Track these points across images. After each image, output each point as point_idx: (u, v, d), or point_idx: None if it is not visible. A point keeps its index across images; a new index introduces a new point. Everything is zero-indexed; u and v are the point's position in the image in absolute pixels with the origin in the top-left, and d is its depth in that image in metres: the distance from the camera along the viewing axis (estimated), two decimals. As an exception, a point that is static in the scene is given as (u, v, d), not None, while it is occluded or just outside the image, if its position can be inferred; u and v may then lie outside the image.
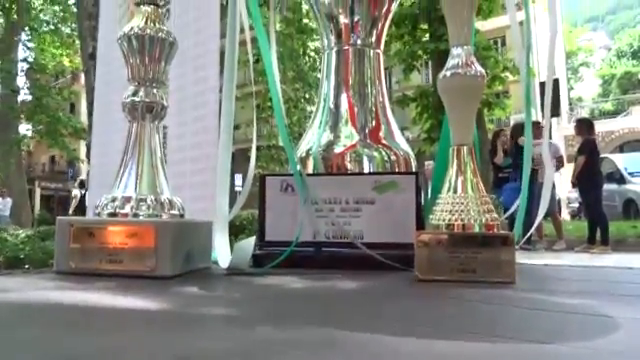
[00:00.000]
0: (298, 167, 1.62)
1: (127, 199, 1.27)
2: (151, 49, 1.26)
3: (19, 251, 4.04)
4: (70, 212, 12.56)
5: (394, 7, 1.60)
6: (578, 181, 7.34)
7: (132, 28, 1.26)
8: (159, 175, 1.31)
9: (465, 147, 1.25)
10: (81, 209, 12.08)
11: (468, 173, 1.26)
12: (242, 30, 1.78)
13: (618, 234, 7.51)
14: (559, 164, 7.84)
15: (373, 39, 1.53)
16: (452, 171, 1.27)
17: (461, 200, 1.24)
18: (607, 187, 9.56)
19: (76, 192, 13.76)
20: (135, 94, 1.28)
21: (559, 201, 10.27)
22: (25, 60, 18.02)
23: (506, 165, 7.15)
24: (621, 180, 11.46)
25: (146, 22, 1.27)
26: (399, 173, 1.51)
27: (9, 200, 14.01)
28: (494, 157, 7.28)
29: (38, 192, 26.04)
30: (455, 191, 1.26)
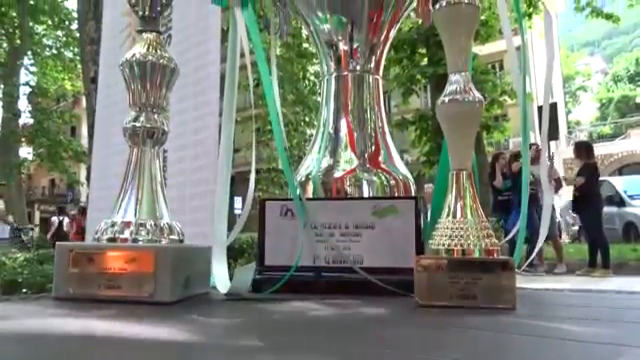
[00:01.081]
0: (298, 191, 1.62)
1: (127, 224, 1.27)
2: (152, 75, 1.27)
3: (17, 275, 4.01)
4: (48, 237, 12.50)
5: (392, 34, 1.62)
6: (577, 203, 7.33)
7: (134, 54, 1.27)
8: (159, 200, 1.31)
9: (464, 172, 1.26)
10: (59, 235, 12.05)
11: (467, 198, 1.26)
12: (242, 54, 1.80)
13: (619, 257, 7.47)
14: (558, 186, 7.84)
15: (372, 65, 1.54)
16: (451, 196, 1.27)
17: (460, 225, 1.24)
18: (607, 210, 9.55)
19: (54, 219, 13.73)
20: (136, 119, 1.29)
21: (559, 224, 10.25)
22: (27, 84, 18.18)
23: (505, 188, 7.13)
24: (621, 203, 11.45)
25: (148, 49, 1.28)
26: (399, 198, 1.51)
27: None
28: (493, 180, 7.26)
29: (37, 215, 26.00)
30: (454, 216, 1.26)
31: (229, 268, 1.72)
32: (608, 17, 12.72)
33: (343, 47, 1.55)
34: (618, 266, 7.10)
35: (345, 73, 1.57)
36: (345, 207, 1.46)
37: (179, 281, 1.27)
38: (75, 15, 14.21)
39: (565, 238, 11.90)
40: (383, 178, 1.56)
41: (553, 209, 7.83)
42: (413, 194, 1.61)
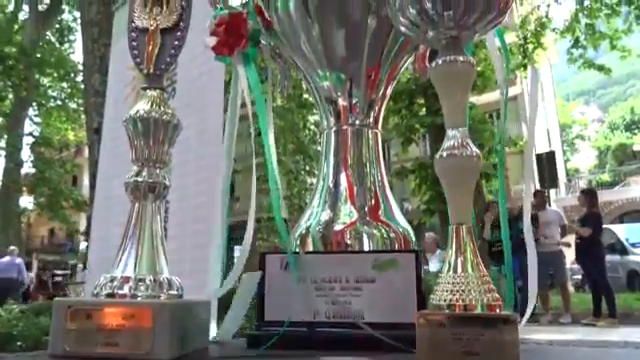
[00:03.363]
0: (296, 244, 1.62)
1: (126, 279, 1.26)
2: (155, 131, 1.29)
3: (12, 327, 3.93)
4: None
5: (390, 90, 1.66)
6: (579, 252, 7.26)
7: (137, 111, 1.30)
8: (159, 255, 1.31)
9: (464, 226, 1.26)
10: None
11: (468, 252, 1.26)
12: (243, 105, 1.84)
13: (624, 306, 7.36)
14: (563, 232, 7.80)
15: (371, 120, 1.57)
16: (451, 251, 1.27)
17: (461, 280, 1.24)
18: (609, 258, 9.49)
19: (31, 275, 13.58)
20: (138, 174, 1.31)
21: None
22: (30, 134, 18.41)
23: (496, 240, 7.05)
24: (623, 251, 11.38)
25: (151, 105, 1.31)
26: (399, 251, 1.51)
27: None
28: (482, 232, 7.19)
29: (35, 264, 25.78)
30: (455, 271, 1.25)
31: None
32: (600, 69, 13.02)
33: (342, 103, 1.58)
34: (624, 315, 6.99)
35: (345, 127, 1.59)
36: (345, 261, 1.46)
37: (177, 337, 1.26)
38: (80, 67, 14.55)
39: (569, 287, 11.76)
40: (383, 231, 1.55)
41: (563, 256, 7.78)
42: (413, 247, 1.60)
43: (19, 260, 13.98)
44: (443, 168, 1.26)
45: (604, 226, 8.72)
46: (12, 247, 13.91)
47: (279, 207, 1.47)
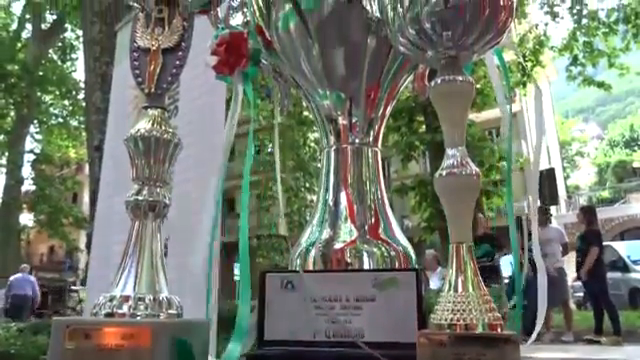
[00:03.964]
0: (297, 263, 1.61)
1: (125, 298, 1.26)
2: (156, 150, 1.30)
3: (10, 346, 3.90)
4: None
5: (390, 110, 1.67)
6: (580, 270, 7.22)
7: (138, 130, 1.31)
8: (159, 274, 1.31)
9: (464, 245, 1.26)
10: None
11: (468, 271, 1.25)
12: (243, 123, 1.85)
13: (627, 324, 7.31)
14: (564, 250, 7.76)
15: (371, 138, 1.58)
16: (452, 270, 1.27)
17: (462, 299, 1.23)
18: (611, 276, 9.44)
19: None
20: (139, 193, 1.31)
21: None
22: (31, 151, 18.47)
23: (483, 253, 7.01)
24: (625, 268, 11.33)
25: (152, 124, 1.32)
26: (399, 270, 1.50)
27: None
28: None
29: (33, 279, 25.66)
30: (456, 290, 1.25)
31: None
32: (600, 85, 13.10)
33: (342, 121, 1.59)
34: (627, 333, 6.94)
35: (344, 146, 1.60)
36: (345, 279, 1.45)
37: (177, 357, 1.25)
38: (82, 85, 14.65)
39: (571, 305, 11.68)
40: (383, 249, 1.55)
41: (565, 274, 7.75)
42: (414, 265, 1.60)
43: (32, 277, 14.25)
44: (443, 187, 1.26)
45: (605, 243, 8.70)
46: (24, 265, 14.21)
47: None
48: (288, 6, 1.61)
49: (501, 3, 1.23)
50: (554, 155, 27.75)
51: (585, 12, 12.81)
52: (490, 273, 6.68)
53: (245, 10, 1.88)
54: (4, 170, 17.41)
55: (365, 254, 1.55)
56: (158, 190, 1.34)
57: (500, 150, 12.14)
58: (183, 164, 2.52)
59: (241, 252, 1.43)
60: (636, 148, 41.33)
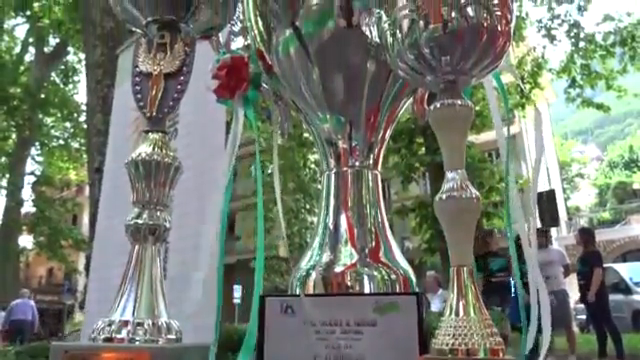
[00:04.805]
0: (295, 288, 1.60)
1: (124, 323, 1.25)
2: (157, 174, 1.31)
3: (7, 371, 3.86)
4: None
5: (389, 133, 1.68)
6: (584, 294, 7.17)
7: (139, 154, 1.32)
8: (158, 299, 1.30)
9: (465, 268, 1.25)
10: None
11: (469, 295, 1.24)
12: (242, 145, 1.86)
13: (630, 347, 7.23)
14: (566, 272, 7.71)
15: (371, 162, 1.59)
16: (453, 294, 1.26)
17: (463, 324, 1.22)
18: (614, 298, 9.37)
19: None
20: (139, 216, 1.31)
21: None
22: (32, 173, 18.51)
23: (498, 268, 6.89)
24: (627, 290, 11.25)
25: (153, 148, 1.33)
26: (400, 294, 1.49)
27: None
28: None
29: (33, 304, 25.47)
30: (457, 314, 1.24)
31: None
32: (599, 107, 13.19)
33: (342, 145, 1.60)
34: (631, 357, 6.86)
35: (345, 169, 1.60)
36: (346, 303, 1.44)
37: (175, 383, 1.23)
38: (83, 108, 14.74)
39: (574, 327, 11.58)
40: (384, 273, 1.54)
41: (567, 296, 7.68)
42: (414, 289, 1.59)
43: (32, 302, 14.54)
44: (443, 210, 1.26)
45: (607, 265, 8.65)
46: (24, 290, 14.56)
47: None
48: (288, 31, 1.64)
49: (499, 29, 1.24)
50: (554, 176, 27.77)
51: (582, 35, 12.96)
52: (505, 291, 6.54)
53: (246, 34, 1.90)
54: (4, 192, 17.42)
55: (365, 277, 1.54)
56: (158, 213, 1.34)
57: (500, 172, 12.16)
58: (183, 185, 2.53)
59: (257, 273, 1.43)
60: (636, 169, 41.39)
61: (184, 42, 1.44)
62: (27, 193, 18.20)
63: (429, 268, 11.70)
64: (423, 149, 11.91)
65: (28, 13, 16.46)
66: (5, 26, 18.79)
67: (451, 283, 1.26)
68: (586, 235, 7.60)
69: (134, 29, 1.49)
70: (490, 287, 6.75)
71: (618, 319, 8.67)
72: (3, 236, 16.38)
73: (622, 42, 12.54)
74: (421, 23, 1.24)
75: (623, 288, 11.09)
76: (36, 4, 15.11)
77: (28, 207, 18.32)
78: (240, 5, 1.78)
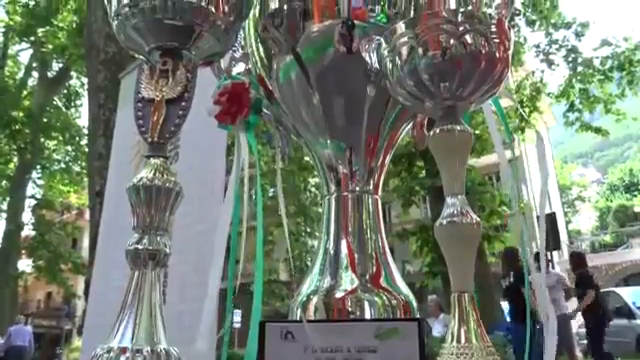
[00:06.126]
0: (299, 312, 1.59)
1: (123, 350, 1.24)
2: (158, 199, 1.31)
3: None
4: None
5: (389, 158, 1.69)
6: (585, 317, 7.11)
7: (141, 179, 1.32)
8: (157, 325, 1.29)
9: (466, 295, 1.25)
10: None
11: (471, 322, 1.23)
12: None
13: (634, 375, 7.12)
14: (567, 295, 7.66)
15: (371, 187, 1.59)
16: (454, 320, 1.25)
17: (465, 350, 1.21)
18: (617, 322, 9.27)
19: None
20: (139, 242, 1.31)
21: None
22: (33, 197, 18.51)
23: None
24: (630, 315, 11.13)
25: (154, 173, 1.33)
26: (402, 320, 1.48)
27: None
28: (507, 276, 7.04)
29: (30, 330, 25.22)
30: (458, 341, 1.23)
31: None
32: (597, 131, 13.26)
33: (343, 170, 1.60)
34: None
35: (345, 194, 1.61)
36: (347, 329, 1.43)
37: (174, 411, 1.22)
38: (85, 131, 14.83)
39: (577, 353, 11.43)
40: (385, 298, 1.53)
41: (569, 320, 7.62)
42: (415, 314, 1.58)
43: (29, 327, 14.70)
44: (443, 236, 1.26)
45: (609, 289, 8.58)
46: (20, 316, 14.81)
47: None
48: (289, 57, 1.66)
49: (497, 55, 1.26)
50: (554, 200, 27.74)
51: (580, 60, 13.10)
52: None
53: (247, 60, 1.92)
54: (4, 215, 17.40)
55: (366, 303, 1.53)
56: (158, 239, 1.34)
57: (501, 195, 12.16)
58: (183, 209, 2.53)
59: (255, 299, 1.43)
60: (636, 193, 41.38)
61: (186, 68, 1.45)
62: (27, 216, 18.19)
63: (430, 292, 11.61)
64: (423, 172, 11.93)
65: (32, 39, 16.67)
66: (10, 51, 19.02)
67: (452, 309, 1.26)
68: (573, 258, 7.66)
69: (137, 56, 1.51)
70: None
71: (622, 344, 8.56)
72: (2, 260, 16.30)
73: (620, 67, 12.67)
74: (420, 50, 1.25)
75: (626, 312, 10.98)
76: (40, 30, 15.32)
77: (28, 230, 18.27)
78: (242, 31, 1.81)
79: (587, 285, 7.05)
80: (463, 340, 1.22)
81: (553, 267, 8.80)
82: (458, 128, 1.28)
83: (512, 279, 6.79)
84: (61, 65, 17.71)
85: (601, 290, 8.47)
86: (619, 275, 22.15)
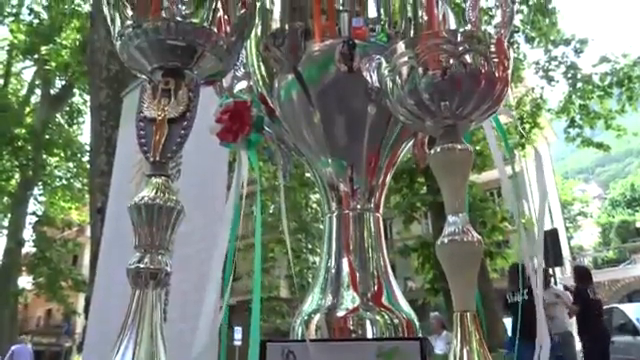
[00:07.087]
0: (300, 331, 1.58)
1: (123, 370, 1.23)
2: (159, 218, 1.31)
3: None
4: None
5: (390, 176, 1.70)
6: (581, 337, 7.04)
7: (142, 198, 1.32)
8: (157, 345, 1.28)
9: (468, 313, 1.24)
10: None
11: (473, 342, 1.22)
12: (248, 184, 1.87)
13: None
14: (571, 313, 7.61)
15: (372, 205, 1.59)
16: (456, 340, 1.24)
17: (468, 371, 1.20)
18: (621, 339, 9.18)
19: None
20: (140, 261, 1.31)
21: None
22: (34, 213, 18.49)
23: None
24: (635, 332, 11.02)
25: (156, 192, 1.33)
26: (404, 339, 1.47)
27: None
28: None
29: (31, 350, 25.04)
30: (461, 361, 1.22)
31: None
32: (599, 146, 13.29)
33: (344, 188, 1.61)
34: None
35: (346, 212, 1.61)
36: (348, 349, 1.42)
37: None
38: (87, 148, 14.88)
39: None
40: (386, 317, 1.53)
41: (573, 337, 7.55)
42: (417, 333, 1.57)
43: (29, 346, 14.80)
44: (445, 254, 1.25)
45: (612, 306, 8.51)
46: (23, 336, 14.97)
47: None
48: (290, 76, 1.67)
49: (497, 74, 1.27)
50: (556, 216, 27.67)
51: (579, 76, 13.17)
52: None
53: (249, 78, 1.94)
54: (5, 232, 17.38)
55: (368, 322, 1.52)
56: (160, 257, 1.34)
57: (502, 211, 12.15)
58: (185, 226, 2.53)
59: (253, 319, 1.42)
60: (638, 208, 41.30)
61: (188, 88, 1.46)
62: (28, 233, 18.17)
63: (432, 309, 11.53)
64: (425, 188, 11.94)
65: (36, 56, 16.81)
66: (13, 69, 19.17)
67: (455, 329, 1.25)
68: (576, 272, 7.66)
69: (140, 75, 1.52)
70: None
71: (627, 362, 8.45)
72: (2, 277, 16.24)
73: (619, 83, 12.74)
74: (420, 70, 1.26)
75: (630, 329, 10.87)
76: (44, 48, 15.46)
77: (28, 247, 18.25)
78: (243, 51, 1.82)
79: (575, 301, 7.02)
80: (466, 360, 1.21)
81: (555, 283, 8.75)
82: (459, 147, 1.28)
83: (526, 296, 6.76)
84: (64, 82, 17.84)
85: (604, 307, 8.41)
86: (622, 291, 22.01)
